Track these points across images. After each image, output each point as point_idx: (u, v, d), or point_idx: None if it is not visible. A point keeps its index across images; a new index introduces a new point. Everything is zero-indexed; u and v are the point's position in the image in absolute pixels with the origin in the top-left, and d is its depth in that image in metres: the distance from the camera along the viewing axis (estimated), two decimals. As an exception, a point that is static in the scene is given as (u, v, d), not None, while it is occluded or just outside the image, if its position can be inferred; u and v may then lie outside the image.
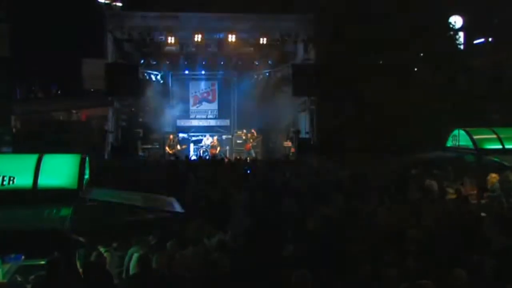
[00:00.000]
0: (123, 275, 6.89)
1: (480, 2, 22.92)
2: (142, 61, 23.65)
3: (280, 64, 23.23)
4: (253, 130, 24.39)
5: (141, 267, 6.02)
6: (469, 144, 12.00)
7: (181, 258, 6.44)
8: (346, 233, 7.35)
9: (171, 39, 21.23)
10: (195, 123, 27.31)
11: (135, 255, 6.83)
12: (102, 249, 6.94)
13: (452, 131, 13.54)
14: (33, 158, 5.55)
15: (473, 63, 21.38)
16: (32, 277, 6.01)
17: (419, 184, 11.74)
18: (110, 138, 21.53)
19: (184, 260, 6.40)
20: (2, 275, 6.53)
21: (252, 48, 22.19)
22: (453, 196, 10.49)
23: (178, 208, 5.90)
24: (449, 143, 13.15)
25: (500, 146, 11.60)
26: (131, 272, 6.72)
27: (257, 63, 23.98)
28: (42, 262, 6.03)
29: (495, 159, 11.32)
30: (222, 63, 24.03)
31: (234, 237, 7.13)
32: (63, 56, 22.71)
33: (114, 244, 7.39)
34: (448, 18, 22.94)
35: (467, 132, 12.22)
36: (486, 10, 22.63)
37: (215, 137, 24.73)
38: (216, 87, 27.33)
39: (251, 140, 24.18)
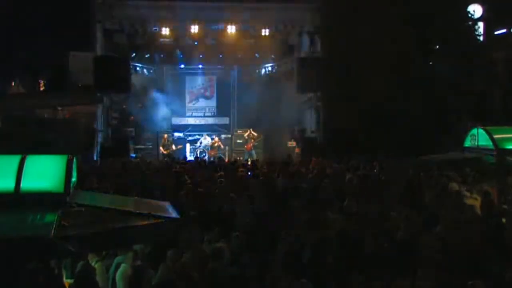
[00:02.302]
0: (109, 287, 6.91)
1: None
2: (134, 54, 23.70)
3: (284, 57, 23.25)
4: (251, 130, 24.42)
5: (132, 280, 6.03)
6: (489, 144, 11.95)
7: (177, 268, 6.46)
8: (356, 240, 7.36)
9: (165, 30, 21.26)
10: (191, 121, 27.39)
11: (123, 265, 6.85)
12: (93, 259, 6.96)
13: (470, 129, 13.51)
14: (15, 159, 5.53)
15: (493, 55, 21.35)
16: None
17: (435, 187, 11.72)
18: (100, 137, 21.56)
19: (180, 270, 6.42)
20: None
21: (253, 40, 22.21)
22: (472, 201, 10.47)
23: (173, 213, 5.88)
24: (467, 143, 13.11)
25: (524, 147, 11.55)
26: (117, 284, 6.74)
27: (258, 57, 24.00)
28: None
29: (517, 161, 11.28)
30: (220, 56, 24.06)
31: (236, 244, 7.16)
32: (48, 48, 22.70)
33: (103, 253, 7.41)
34: (466, 7, 22.92)
35: (487, 131, 12.18)
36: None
37: (216, 137, 24.77)
38: (214, 82, 27.41)
39: (252, 140, 24.20)
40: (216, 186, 11.58)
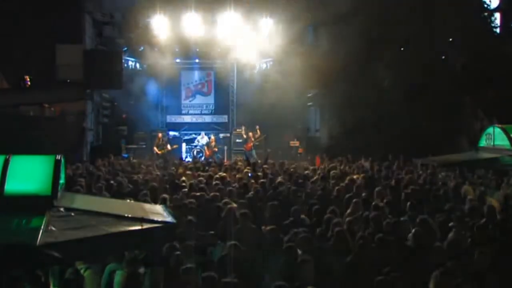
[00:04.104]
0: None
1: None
2: (125, 47, 23.69)
3: (286, 51, 23.20)
4: (252, 128, 24.42)
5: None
6: (506, 143, 11.95)
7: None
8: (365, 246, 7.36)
9: (159, 22, 21.22)
10: (187, 119, 27.39)
11: (118, 273, 6.84)
12: (82, 266, 6.96)
13: (486, 128, 13.51)
14: (-1, 160, 5.55)
15: (511, 48, 21.33)
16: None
17: (449, 190, 11.71)
18: (89, 136, 21.56)
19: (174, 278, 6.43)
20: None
21: (254, 33, 22.18)
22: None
23: (168, 217, 5.88)
24: (482, 143, 13.11)
25: (543, 146, 11.55)
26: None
27: (259, 51, 23.97)
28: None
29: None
30: (219, 50, 24.02)
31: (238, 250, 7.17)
32: (33, 41, 22.68)
33: (94, 260, 7.41)
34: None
35: (504, 130, 12.18)
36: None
37: (213, 136, 24.75)
38: (212, 78, 27.41)
39: (253, 139, 24.16)
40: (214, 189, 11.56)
